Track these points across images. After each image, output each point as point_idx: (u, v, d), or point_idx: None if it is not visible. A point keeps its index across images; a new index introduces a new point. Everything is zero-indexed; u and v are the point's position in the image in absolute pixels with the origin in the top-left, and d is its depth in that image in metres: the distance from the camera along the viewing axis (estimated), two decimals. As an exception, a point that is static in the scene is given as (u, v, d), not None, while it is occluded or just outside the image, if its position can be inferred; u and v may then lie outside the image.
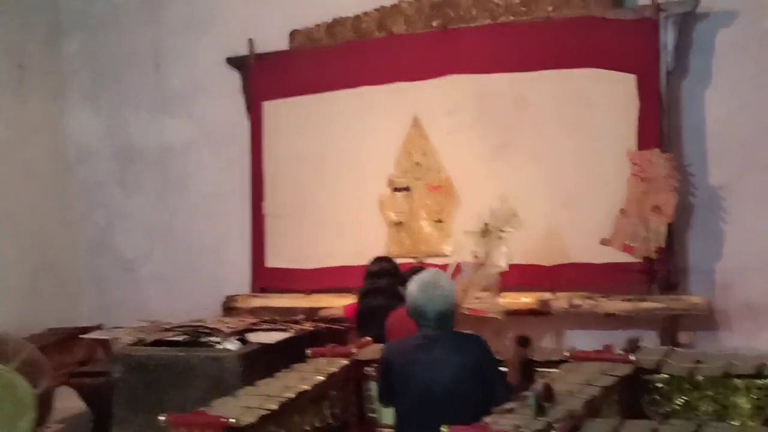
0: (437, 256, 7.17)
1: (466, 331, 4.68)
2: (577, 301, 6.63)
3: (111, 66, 8.94)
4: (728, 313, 6.63)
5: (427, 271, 4.14)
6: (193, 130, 8.59)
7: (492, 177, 6.99)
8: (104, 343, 7.12)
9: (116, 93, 8.93)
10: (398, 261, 6.52)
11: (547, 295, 6.73)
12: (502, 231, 5.77)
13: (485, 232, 5.73)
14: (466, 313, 5.70)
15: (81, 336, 7.21)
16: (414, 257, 7.20)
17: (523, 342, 4.39)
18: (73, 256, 9.05)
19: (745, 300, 6.60)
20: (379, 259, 6.31)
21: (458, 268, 5.80)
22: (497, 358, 4.11)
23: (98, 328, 7.18)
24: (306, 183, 7.84)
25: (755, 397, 3.70)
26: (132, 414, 5.81)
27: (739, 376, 3.74)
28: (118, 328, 6.62)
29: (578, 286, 6.74)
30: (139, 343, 6.05)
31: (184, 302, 8.03)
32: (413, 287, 3.98)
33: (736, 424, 3.61)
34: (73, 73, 9.11)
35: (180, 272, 8.61)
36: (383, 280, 6.04)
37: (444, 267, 5.94)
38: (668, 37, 6.59)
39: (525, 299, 6.72)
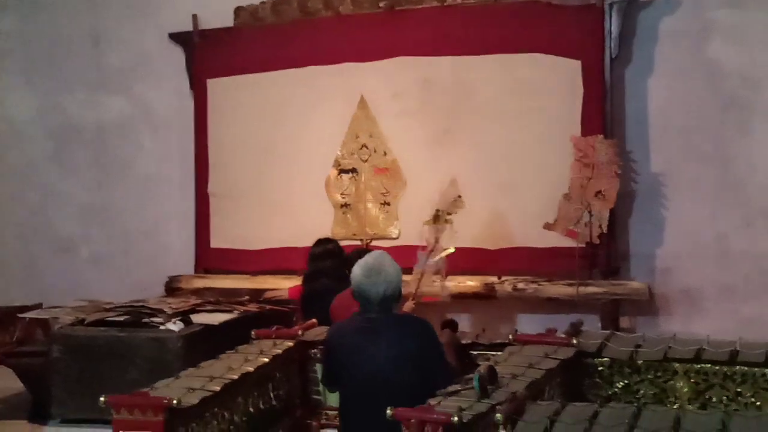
0: (383, 238, 7.20)
1: (411, 314, 4.68)
2: (521, 285, 6.72)
3: (47, 43, 8.71)
4: (667, 298, 6.78)
5: (371, 254, 4.10)
6: (133, 109, 8.44)
7: (438, 161, 7.02)
8: (43, 323, 6.99)
9: (52, 71, 8.69)
10: (344, 243, 6.51)
11: (492, 279, 6.79)
12: (449, 214, 5.80)
13: (436, 217, 5.75)
14: (420, 301, 5.73)
15: (19, 315, 7.06)
16: (360, 239, 7.23)
17: (450, 325, 4.41)
18: (4, 237, 8.85)
19: (684, 285, 6.75)
20: (321, 241, 6.22)
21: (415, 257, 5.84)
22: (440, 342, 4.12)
23: (37, 307, 7.02)
24: (251, 163, 7.77)
25: (693, 380, 3.77)
26: (71, 395, 5.72)
27: (677, 360, 3.80)
28: (58, 307, 6.50)
29: (522, 270, 6.83)
30: (79, 323, 5.95)
31: (124, 283, 7.94)
32: (357, 271, 3.94)
33: (675, 407, 3.67)
34: (7, 51, 8.86)
35: (119, 253, 8.48)
36: (327, 263, 5.99)
37: (389, 249, 5.95)
38: (612, 24, 6.66)
39: (471, 283, 6.80)
